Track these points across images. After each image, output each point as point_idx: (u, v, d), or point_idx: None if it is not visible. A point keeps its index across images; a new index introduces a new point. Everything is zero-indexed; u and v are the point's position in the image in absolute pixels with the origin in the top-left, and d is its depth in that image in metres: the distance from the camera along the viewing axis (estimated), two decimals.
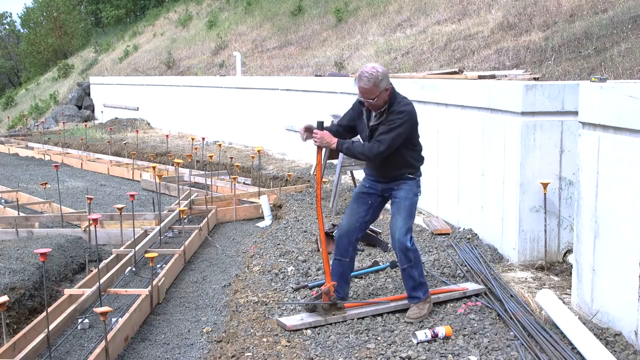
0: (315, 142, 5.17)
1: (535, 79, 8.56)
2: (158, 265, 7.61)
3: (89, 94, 28.39)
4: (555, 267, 6.36)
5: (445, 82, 8.24)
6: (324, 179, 10.61)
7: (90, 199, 8.86)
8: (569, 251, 6.41)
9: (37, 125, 26.06)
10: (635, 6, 12.09)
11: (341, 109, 12.22)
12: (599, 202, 4.88)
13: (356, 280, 6.15)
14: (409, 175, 5.22)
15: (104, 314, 4.72)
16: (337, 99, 12.82)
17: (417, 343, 4.76)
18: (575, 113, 5.36)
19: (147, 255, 6.47)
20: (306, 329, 5.09)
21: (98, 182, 14.53)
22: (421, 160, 5.32)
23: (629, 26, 11.29)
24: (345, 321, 5.20)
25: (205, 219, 9.63)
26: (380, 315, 5.29)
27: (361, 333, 4.99)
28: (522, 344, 4.66)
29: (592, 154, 4.93)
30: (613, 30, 11.44)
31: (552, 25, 13.49)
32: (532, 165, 6.37)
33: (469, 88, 7.51)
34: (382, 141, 4.99)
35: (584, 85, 5.06)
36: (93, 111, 27.57)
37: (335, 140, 5.11)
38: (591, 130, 4.97)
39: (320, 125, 5.22)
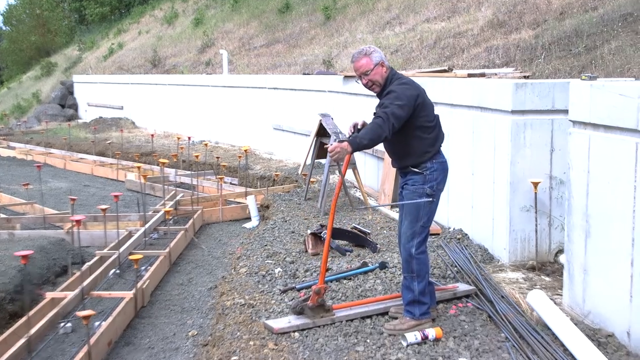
0: (332, 157, 4.67)
1: (525, 77, 8.57)
2: (143, 268, 7.56)
3: (72, 93, 28.23)
4: (547, 268, 6.37)
5: (434, 81, 8.24)
6: (312, 179, 10.59)
7: (74, 199, 8.79)
8: (560, 251, 6.42)
9: (19, 124, 25.87)
10: (625, 4, 12.14)
11: (329, 108, 12.21)
12: (589, 201, 4.88)
13: (345, 281, 6.12)
14: (414, 169, 4.91)
15: (86, 317, 4.68)
16: (325, 97, 12.79)
17: (407, 345, 4.74)
18: (566, 111, 5.37)
19: (131, 257, 6.42)
20: (294, 331, 5.06)
21: (81, 182, 14.43)
22: (431, 147, 4.89)
23: (619, 24, 11.33)
24: (334, 323, 5.17)
25: (191, 220, 9.59)
26: (370, 317, 5.27)
27: (350, 335, 4.97)
28: (514, 346, 4.65)
29: (582, 153, 4.93)
30: (603, 28, 11.48)
31: (542, 23, 13.53)
32: (522, 164, 6.37)
33: (459, 86, 7.51)
34: (384, 111, 4.65)
35: (574, 84, 5.06)
36: (77, 110, 27.42)
37: (345, 142, 4.63)
38: (582, 129, 4.97)
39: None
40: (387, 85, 4.92)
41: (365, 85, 5.02)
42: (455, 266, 6.37)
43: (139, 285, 6.56)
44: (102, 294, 6.64)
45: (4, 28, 61.21)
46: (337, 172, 9.94)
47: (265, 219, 9.64)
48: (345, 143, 4.61)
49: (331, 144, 4.66)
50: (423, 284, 4.97)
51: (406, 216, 4.97)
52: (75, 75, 29.71)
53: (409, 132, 4.85)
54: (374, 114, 4.86)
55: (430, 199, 4.89)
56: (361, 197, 9.75)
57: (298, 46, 22.54)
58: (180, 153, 14.71)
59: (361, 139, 4.62)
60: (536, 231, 6.39)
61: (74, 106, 27.67)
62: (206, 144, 14.37)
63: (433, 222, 7.74)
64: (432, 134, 4.93)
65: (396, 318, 5.14)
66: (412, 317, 5.01)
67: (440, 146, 5.01)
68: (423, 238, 4.95)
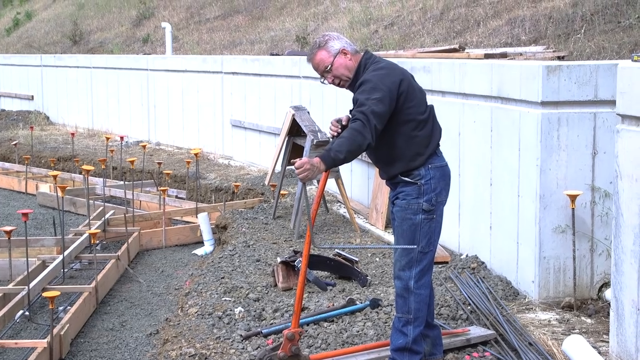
0: (299, 177, 4.57)
1: (559, 57, 8.67)
2: (61, 308, 7.53)
3: None
4: (588, 306, 6.41)
5: (440, 63, 8.29)
6: (282, 191, 10.60)
7: None
8: (606, 284, 6.47)
9: None
10: None
11: (304, 99, 12.23)
12: None
13: (326, 324, 6.13)
14: (404, 178, 4.86)
15: None
16: (299, 85, 12.82)
17: None
18: (613, 103, 5.42)
19: (45, 294, 6.38)
20: None
21: None
22: (424, 148, 4.87)
23: None
24: None
25: (125, 245, 9.57)
26: None
27: None
28: None
29: (634, 157, 4.97)
30: None
31: None
32: (555, 171, 6.42)
33: (473, 70, 7.56)
34: (361, 111, 4.62)
35: (623, 66, 5.11)
36: None
37: (316, 158, 4.58)
38: (633, 126, 5.01)
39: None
40: (359, 75, 4.91)
41: (334, 84, 5.03)
42: (469, 304, 6.40)
43: (55, 331, 6.50)
44: (6, 343, 6.57)
45: None
46: (315, 182, 9.95)
47: (222, 244, 9.62)
48: (317, 159, 4.56)
49: (304, 157, 4.59)
50: (420, 328, 4.97)
51: (398, 240, 4.96)
52: None
53: (393, 130, 4.82)
54: (350, 112, 4.85)
55: (430, 217, 4.89)
56: (346, 215, 9.76)
57: (264, 18, 22.56)
58: (110, 157, 14.63)
59: (337, 153, 4.57)
60: (574, 259, 6.43)
61: None
62: (144, 146, 14.31)
63: (439, 246, 7.83)
64: (425, 130, 4.91)
65: None
66: None
67: (438, 145, 5.00)
68: (425, 267, 4.92)
